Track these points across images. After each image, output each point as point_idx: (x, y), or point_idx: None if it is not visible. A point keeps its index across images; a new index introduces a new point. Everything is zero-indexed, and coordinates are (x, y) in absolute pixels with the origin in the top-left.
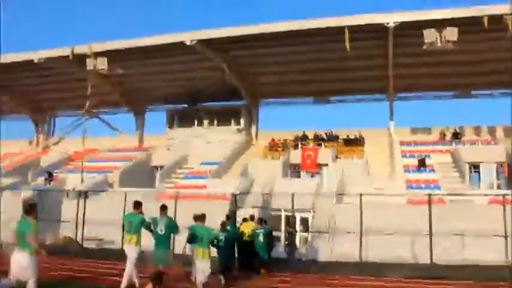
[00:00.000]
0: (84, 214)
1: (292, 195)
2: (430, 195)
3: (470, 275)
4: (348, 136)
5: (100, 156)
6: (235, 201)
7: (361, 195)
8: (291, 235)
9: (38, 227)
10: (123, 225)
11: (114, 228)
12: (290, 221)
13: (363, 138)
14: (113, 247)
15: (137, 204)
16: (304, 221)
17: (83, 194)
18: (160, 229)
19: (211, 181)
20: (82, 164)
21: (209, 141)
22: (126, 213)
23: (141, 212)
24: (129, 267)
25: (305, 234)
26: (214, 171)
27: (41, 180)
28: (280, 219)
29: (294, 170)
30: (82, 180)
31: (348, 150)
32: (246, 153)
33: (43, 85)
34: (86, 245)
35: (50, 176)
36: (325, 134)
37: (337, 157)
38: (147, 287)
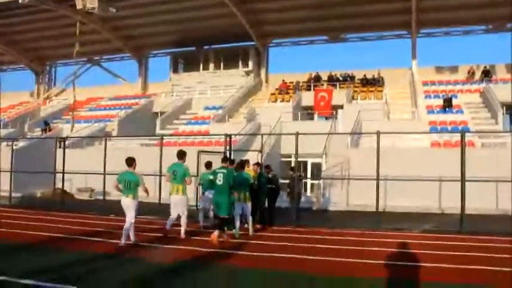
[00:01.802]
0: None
1: (296, 134)
2: (463, 132)
3: (503, 228)
4: (365, 76)
5: (101, 105)
6: (230, 144)
7: (378, 133)
8: (292, 181)
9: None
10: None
11: (110, 178)
12: (292, 166)
13: (382, 79)
14: (109, 198)
15: (181, 154)
16: (316, 167)
17: (65, 143)
18: (219, 179)
19: (215, 126)
20: (72, 113)
21: (215, 85)
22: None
23: (184, 162)
24: (183, 218)
25: (316, 181)
26: (218, 116)
27: (38, 131)
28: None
29: (306, 113)
30: (72, 129)
31: (365, 91)
32: (254, 97)
33: (38, 31)
34: (78, 196)
35: (46, 126)
36: (341, 75)
37: (353, 98)
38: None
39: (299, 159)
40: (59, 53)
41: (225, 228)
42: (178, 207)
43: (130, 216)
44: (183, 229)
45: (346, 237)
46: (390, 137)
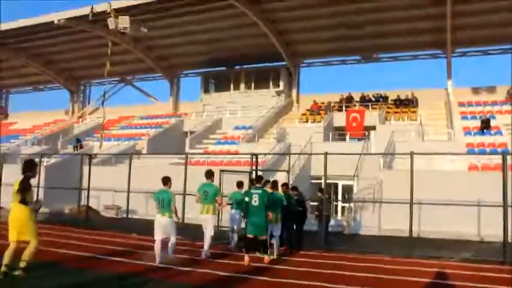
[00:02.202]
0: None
1: (325, 154)
2: (505, 154)
3: None
4: (398, 96)
5: (133, 123)
6: (256, 163)
7: (412, 153)
8: (320, 203)
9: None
10: (158, 201)
11: (137, 196)
12: (321, 187)
13: (416, 99)
14: (135, 217)
15: (210, 174)
16: (348, 189)
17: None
18: (255, 200)
19: (244, 146)
20: (102, 131)
21: (246, 105)
22: (200, 184)
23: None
24: (208, 237)
25: (347, 204)
26: (247, 136)
27: (70, 148)
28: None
29: (338, 134)
30: (100, 146)
31: (398, 112)
32: (284, 117)
33: (73, 52)
34: (105, 214)
35: (78, 143)
36: (373, 95)
37: (386, 119)
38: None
39: (330, 181)
40: (93, 72)
41: (261, 250)
42: (208, 226)
43: (173, 236)
44: (206, 247)
45: (376, 264)
46: (425, 160)
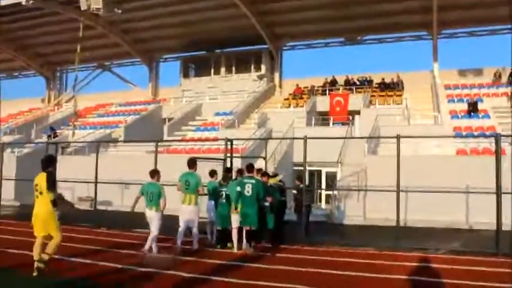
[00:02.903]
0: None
1: (305, 139)
2: (498, 135)
3: None
4: (383, 79)
5: (111, 111)
6: (231, 148)
7: (398, 137)
8: (299, 192)
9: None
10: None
11: (112, 187)
12: (300, 174)
13: (402, 82)
14: (110, 208)
15: (193, 163)
16: (332, 177)
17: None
18: (247, 191)
19: (224, 132)
20: (74, 119)
21: (226, 90)
22: (180, 172)
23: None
24: (194, 230)
25: (331, 192)
26: (228, 122)
27: (45, 137)
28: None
29: (321, 119)
30: (73, 135)
31: (383, 96)
32: (266, 102)
33: (48, 36)
34: (78, 206)
35: (52, 132)
36: (358, 79)
37: (371, 103)
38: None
39: (313, 168)
40: (70, 58)
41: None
42: (189, 219)
43: (154, 229)
44: (195, 241)
45: (360, 259)
46: (412, 144)
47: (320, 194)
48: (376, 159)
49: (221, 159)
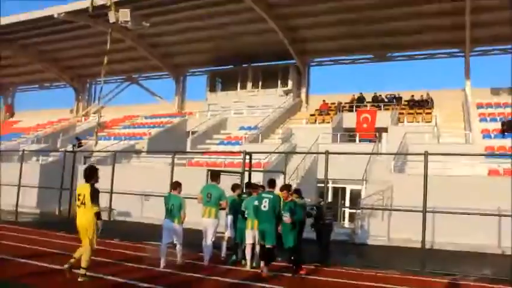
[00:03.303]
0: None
1: (326, 154)
2: None
3: None
4: (412, 97)
5: (137, 123)
6: (250, 162)
7: (426, 154)
8: (318, 209)
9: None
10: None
11: (132, 198)
12: (321, 191)
13: (432, 100)
14: (128, 219)
15: (215, 176)
16: (356, 195)
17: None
18: (264, 206)
19: (248, 146)
20: (96, 129)
21: (252, 105)
22: (204, 184)
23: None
24: (209, 242)
25: (354, 210)
26: (252, 136)
27: (70, 147)
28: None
29: (348, 136)
30: (96, 144)
31: (412, 114)
32: (292, 117)
33: (78, 49)
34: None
35: (77, 141)
36: (386, 96)
37: (399, 121)
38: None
39: (337, 186)
40: (99, 70)
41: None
42: (208, 231)
43: (179, 241)
44: (207, 256)
45: (383, 284)
46: (440, 164)
47: (343, 212)
48: (403, 177)
49: (238, 173)
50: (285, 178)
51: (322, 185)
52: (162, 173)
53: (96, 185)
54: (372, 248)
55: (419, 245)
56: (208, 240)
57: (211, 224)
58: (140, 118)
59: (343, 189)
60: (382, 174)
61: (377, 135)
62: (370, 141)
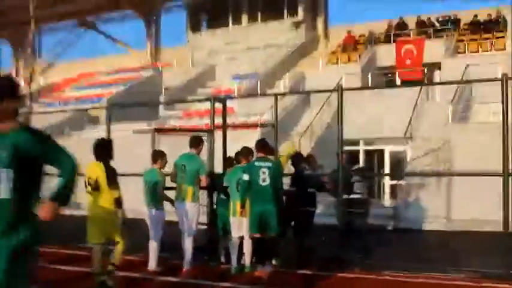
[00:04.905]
0: None
1: (339, 91)
2: None
3: None
4: (476, 17)
5: (96, 82)
6: (224, 114)
7: (506, 77)
8: (348, 183)
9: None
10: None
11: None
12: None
13: (505, 19)
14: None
15: (194, 142)
16: (397, 158)
17: None
18: (263, 179)
19: (243, 103)
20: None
21: (249, 46)
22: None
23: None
24: (187, 239)
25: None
26: (249, 88)
27: None
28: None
29: (384, 77)
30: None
31: (476, 40)
32: (305, 59)
33: None
34: None
35: None
36: (437, 19)
37: (457, 51)
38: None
39: (371, 148)
40: (43, 15)
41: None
42: (185, 222)
43: (156, 234)
44: (187, 257)
45: None
46: None
47: (382, 185)
48: (467, 129)
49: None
50: (276, 133)
51: (350, 147)
52: (128, 143)
53: (112, 163)
54: (423, 236)
55: (499, 228)
56: (186, 235)
57: (189, 211)
58: (101, 75)
59: (381, 152)
60: (436, 126)
61: (426, 73)
62: (415, 83)
